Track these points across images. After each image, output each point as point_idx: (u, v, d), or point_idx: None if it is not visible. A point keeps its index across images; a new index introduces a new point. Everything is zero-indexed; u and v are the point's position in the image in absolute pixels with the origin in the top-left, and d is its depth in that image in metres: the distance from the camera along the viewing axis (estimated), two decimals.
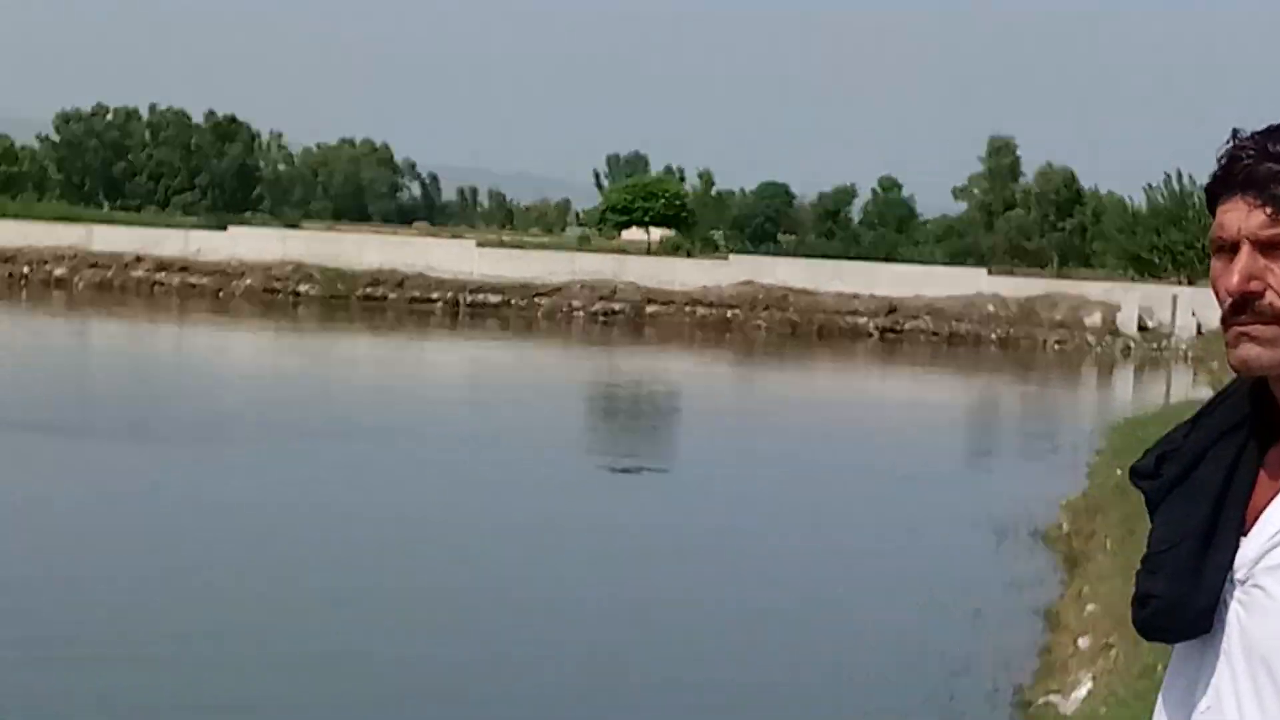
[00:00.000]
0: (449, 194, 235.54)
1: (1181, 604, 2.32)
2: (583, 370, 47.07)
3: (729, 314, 64.14)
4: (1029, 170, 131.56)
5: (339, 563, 18.15)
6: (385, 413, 32.04)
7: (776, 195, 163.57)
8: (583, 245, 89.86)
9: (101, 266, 65.12)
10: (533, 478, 24.82)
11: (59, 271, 64.75)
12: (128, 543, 18.64)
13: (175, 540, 18.74)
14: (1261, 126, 2.35)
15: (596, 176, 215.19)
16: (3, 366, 37.30)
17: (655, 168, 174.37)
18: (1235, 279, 2.29)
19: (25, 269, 64.74)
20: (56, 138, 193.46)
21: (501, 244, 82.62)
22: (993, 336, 61.63)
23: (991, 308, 62.70)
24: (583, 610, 16.70)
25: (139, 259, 65.57)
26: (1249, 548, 2.30)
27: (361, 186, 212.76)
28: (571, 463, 27.05)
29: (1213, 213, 2.35)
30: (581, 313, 64.02)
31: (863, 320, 62.72)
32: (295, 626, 15.28)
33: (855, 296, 63.40)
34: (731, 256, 74.37)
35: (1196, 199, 72.03)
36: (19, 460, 23.50)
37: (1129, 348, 59.93)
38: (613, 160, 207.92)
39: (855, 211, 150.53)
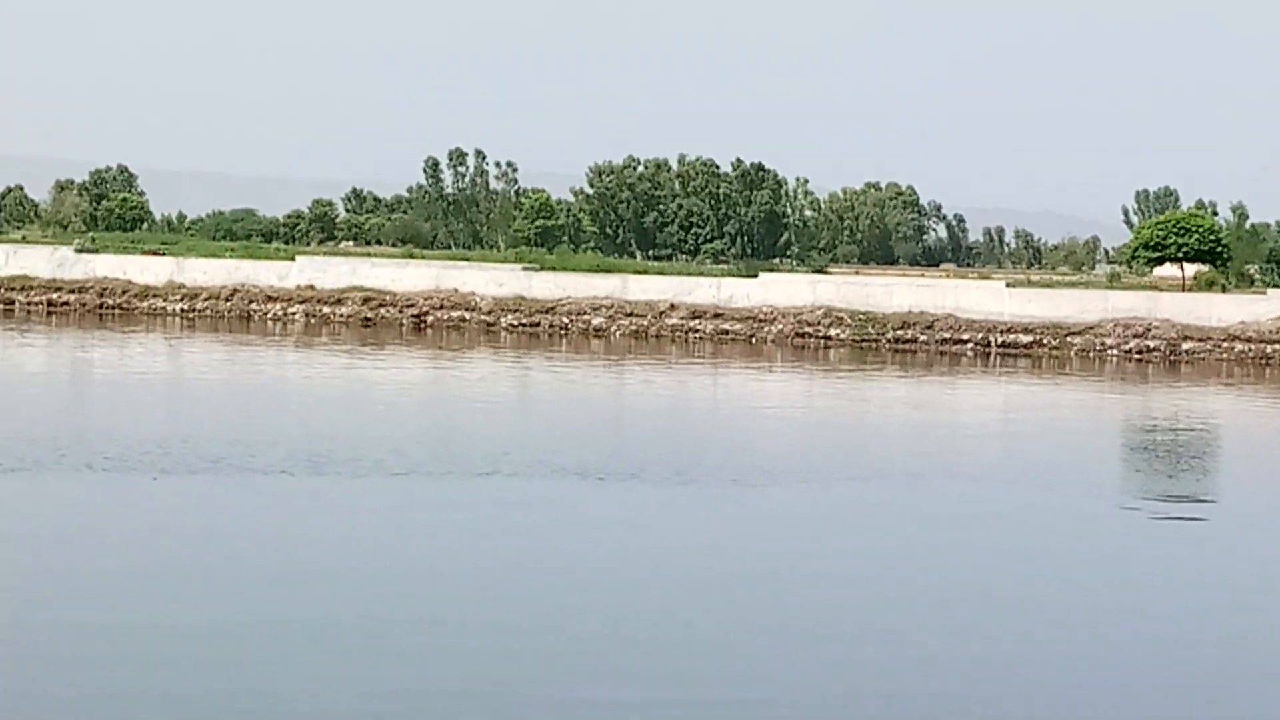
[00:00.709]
0: (975, 234, 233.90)
1: None
2: (1117, 409, 46.27)
3: (1268, 350, 62.23)
4: None
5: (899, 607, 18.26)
6: (920, 453, 32.08)
7: None
8: (1114, 283, 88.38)
9: (637, 315, 66.87)
10: (1084, 529, 24.50)
11: (597, 321, 66.74)
12: (674, 590, 19.10)
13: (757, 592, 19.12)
14: None
15: (1125, 213, 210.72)
16: (552, 414, 38.64)
17: (1186, 203, 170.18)
18: None
19: (565, 319, 66.93)
20: (590, 191, 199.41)
21: (1030, 283, 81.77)
22: None
23: None
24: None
25: (673, 307, 67.10)
26: None
27: (887, 229, 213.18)
28: (1106, 506, 26.59)
29: None
30: (1115, 351, 62.94)
31: None
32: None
33: None
34: (1270, 291, 72.07)
35: None
36: (578, 505, 24.34)
37: None
38: (1142, 196, 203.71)
39: None
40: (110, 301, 67.92)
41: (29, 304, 67.72)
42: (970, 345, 63.88)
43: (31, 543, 19.83)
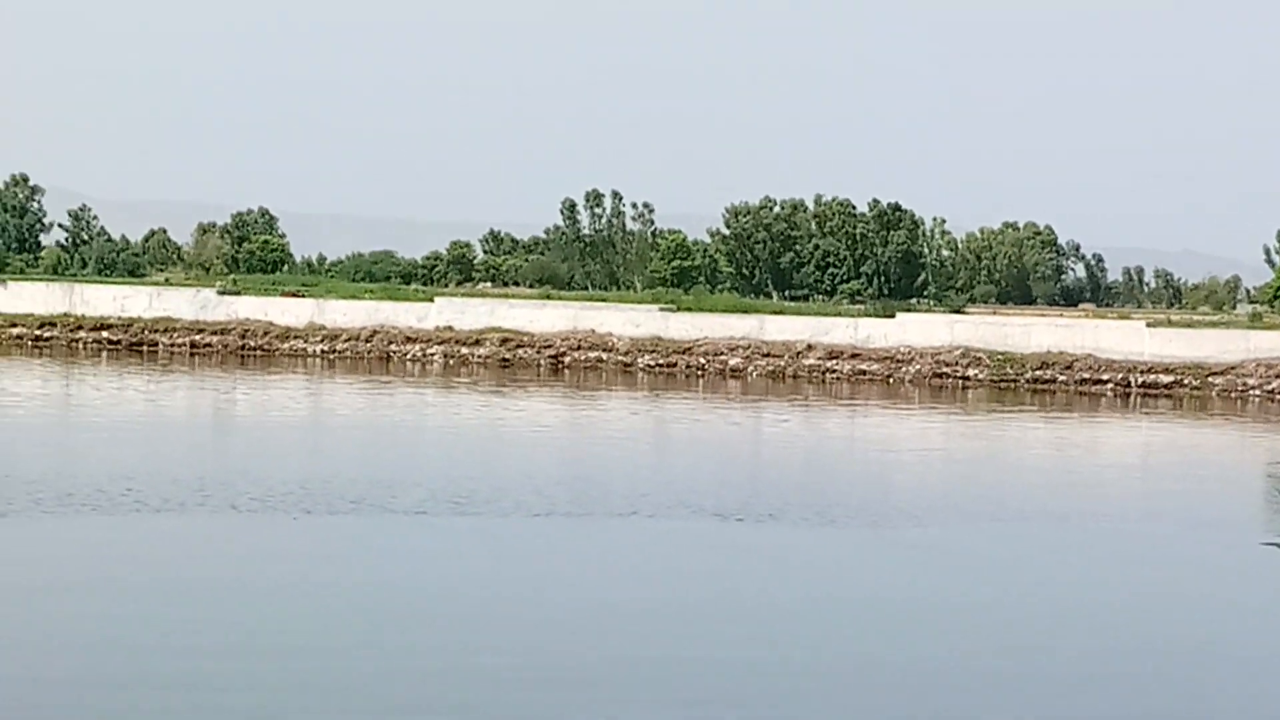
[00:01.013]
0: (1114, 274, 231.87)
1: None
2: (1261, 449, 45.71)
3: None
4: None
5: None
6: (1062, 494, 31.86)
7: None
8: (1255, 322, 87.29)
9: (774, 355, 66.80)
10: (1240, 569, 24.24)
11: (734, 361, 66.73)
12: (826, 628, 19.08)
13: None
14: None
15: (1267, 252, 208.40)
16: (690, 454, 38.69)
17: None
18: None
19: (702, 360, 66.98)
20: (727, 231, 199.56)
21: (1170, 323, 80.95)
22: None
23: None
24: None
25: (810, 347, 67.00)
26: None
27: (1025, 269, 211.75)
28: (1252, 545, 26.28)
29: None
30: (1257, 391, 62.16)
31: None
32: None
33: None
34: None
35: None
36: (721, 545, 24.38)
37: None
38: None
39: None
40: (252, 343, 68.72)
41: (172, 346, 68.62)
42: (1110, 385, 63.31)
43: (174, 584, 20.09)
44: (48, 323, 69.78)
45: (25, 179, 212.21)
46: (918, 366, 65.50)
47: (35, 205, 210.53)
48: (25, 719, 14.05)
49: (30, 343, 68.44)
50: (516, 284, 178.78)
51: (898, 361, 65.94)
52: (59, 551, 21.77)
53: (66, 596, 18.99)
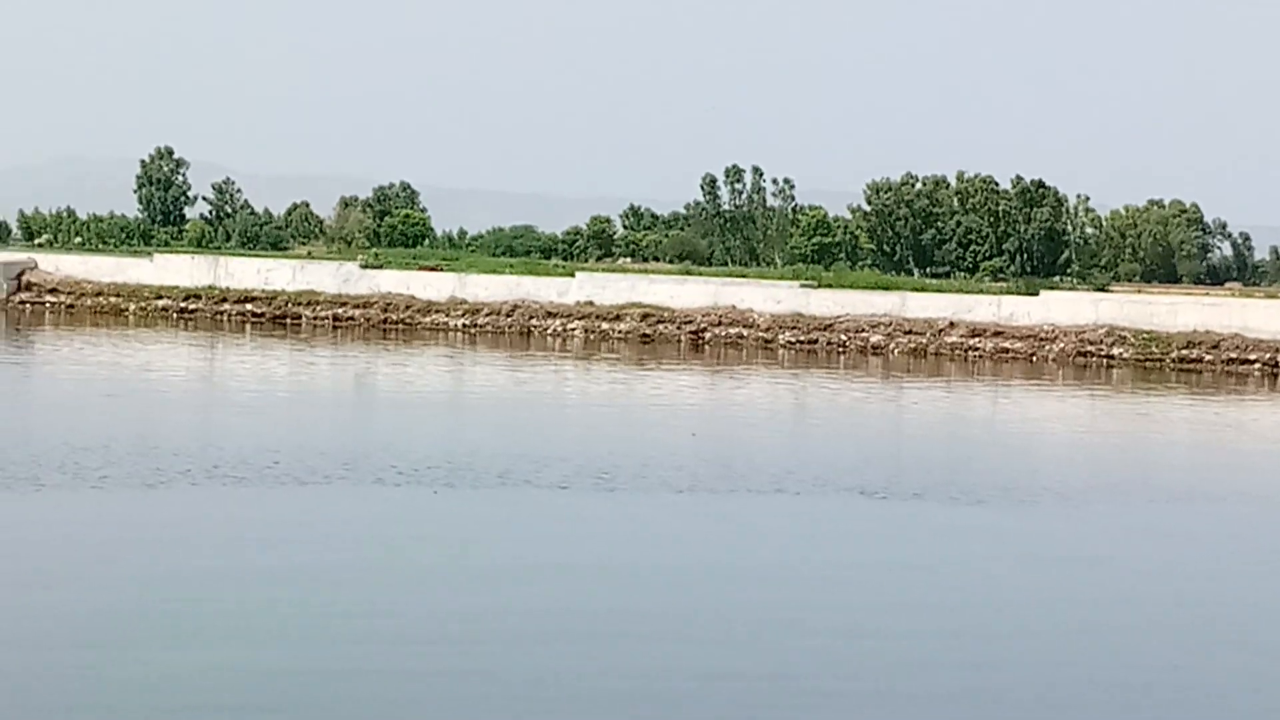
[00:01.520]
0: (1261, 253, 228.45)
1: None
2: None
3: None
4: None
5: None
6: (1214, 475, 31.39)
7: None
8: None
9: (915, 333, 66.32)
10: None
11: (875, 339, 66.33)
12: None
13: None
14: None
15: None
16: (832, 432, 38.47)
17: None
18: None
19: (843, 336, 66.63)
20: (868, 208, 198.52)
21: None
22: None
23: None
24: None
25: (952, 324, 66.46)
26: None
27: (1170, 247, 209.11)
28: None
29: None
30: None
31: None
32: None
33: None
34: None
35: None
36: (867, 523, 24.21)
37: None
38: None
39: None
40: (394, 316, 69.09)
41: (315, 319, 69.13)
42: (1257, 365, 62.34)
43: (321, 550, 20.17)
44: (193, 295, 70.49)
45: (170, 152, 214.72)
46: (1062, 345, 64.80)
47: (180, 178, 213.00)
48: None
49: (176, 315, 69.19)
50: (656, 259, 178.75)
51: (1041, 340, 65.26)
52: (204, 527, 21.91)
53: (214, 579, 19.09)
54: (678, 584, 19.30)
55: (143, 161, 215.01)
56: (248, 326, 66.63)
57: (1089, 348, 64.30)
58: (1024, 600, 19.26)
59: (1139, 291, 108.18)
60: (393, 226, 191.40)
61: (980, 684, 15.40)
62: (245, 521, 21.99)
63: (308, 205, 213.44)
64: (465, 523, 22.80)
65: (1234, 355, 63.02)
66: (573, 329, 68.00)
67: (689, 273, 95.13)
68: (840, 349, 65.89)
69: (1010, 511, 25.56)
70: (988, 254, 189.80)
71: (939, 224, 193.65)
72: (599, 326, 68.00)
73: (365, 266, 75.47)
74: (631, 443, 32.45)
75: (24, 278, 71.59)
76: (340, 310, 69.48)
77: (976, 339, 65.88)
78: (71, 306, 69.94)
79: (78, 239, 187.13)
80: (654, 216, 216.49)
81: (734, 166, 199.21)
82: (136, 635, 15.76)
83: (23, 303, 70.32)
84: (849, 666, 15.90)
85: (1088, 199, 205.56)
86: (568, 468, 27.40)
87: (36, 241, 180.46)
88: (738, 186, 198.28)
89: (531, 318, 68.77)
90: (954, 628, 17.52)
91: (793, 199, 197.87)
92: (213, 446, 28.27)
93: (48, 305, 70.23)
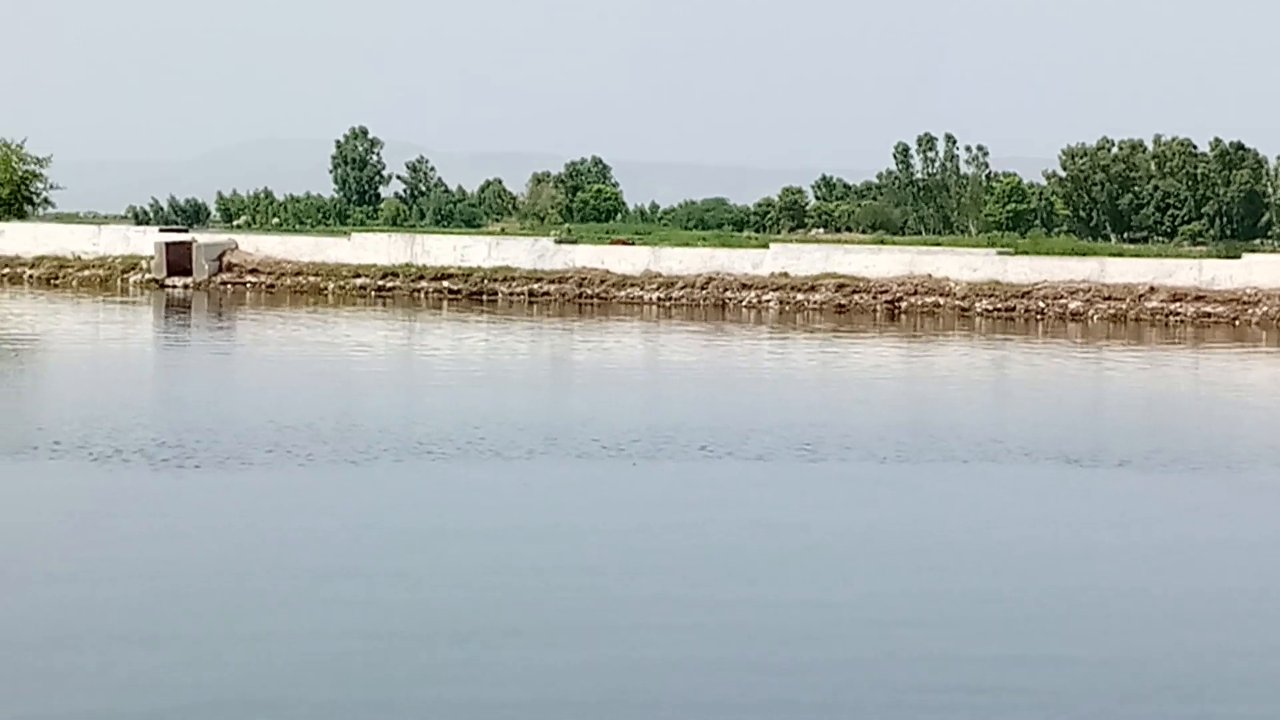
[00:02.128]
0: None
1: None
2: None
3: None
4: None
5: None
6: None
7: None
8: None
9: (1115, 299, 65.39)
10: None
11: (1073, 305, 65.49)
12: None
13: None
14: None
15: None
16: (1033, 400, 38.05)
17: None
18: None
19: (1040, 303, 65.87)
20: (1063, 173, 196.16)
21: None
22: None
23: None
24: None
25: (1152, 289, 65.46)
26: None
27: None
28: None
29: None
30: None
31: None
32: None
33: None
34: None
35: None
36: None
37: None
38: None
39: None
40: (589, 291, 69.32)
41: (511, 294, 69.54)
42: None
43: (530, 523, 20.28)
44: (390, 273, 71.18)
45: (365, 132, 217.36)
46: (1265, 308, 63.59)
47: (375, 158, 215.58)
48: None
49: (374, 293, 69.92)
50: (849, 229, 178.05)
51: (1244, 303, 64.08)
52: (414, 498, 22.13)
53: (424, 542, 19.27)
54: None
55: (338, 142, 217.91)
56: (444, 303, 67.20)
57: None
58: None
59: None
60: (585, 201, 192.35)
61: None
62: (456, 489, 22.20)
63: (500, 182, 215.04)
64: (654, 494, 22.81)
65: None
66: (767, 300, 67.83)
67: (883, 242, 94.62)
68: (1038, 316, 65.14)
69: (1219, 475, 25.11)
70: (1186, 218, 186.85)
71: (1135, 189, 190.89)
72: (794, 298, 67.77)
73: (560, 242, 75.77)
74: (832, 413, 32.29)
75: (225, 259, 72.72)
76: (535, 286, 69.81)
77: (1177, 304, 64.83)
78: (272, 286, 70.93)
79: (275, 220, 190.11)
80: (846, 187, 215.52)
81: (926, 135, 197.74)
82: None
83: (224, 283, 71.44)
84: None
85: None
86: (771, 439, 27.31)
87: (235, 223, 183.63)
88: (930, 155, 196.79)
89: (726, 290, 68.66)
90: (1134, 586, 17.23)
91: (986, 166, 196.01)
92: (416, 423, 28.54)
93: (248, 285, 71.28)
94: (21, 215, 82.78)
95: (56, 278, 72.12)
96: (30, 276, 72.46)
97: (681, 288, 68.91)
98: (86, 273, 72.29)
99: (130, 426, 26.62)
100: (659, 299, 68.38)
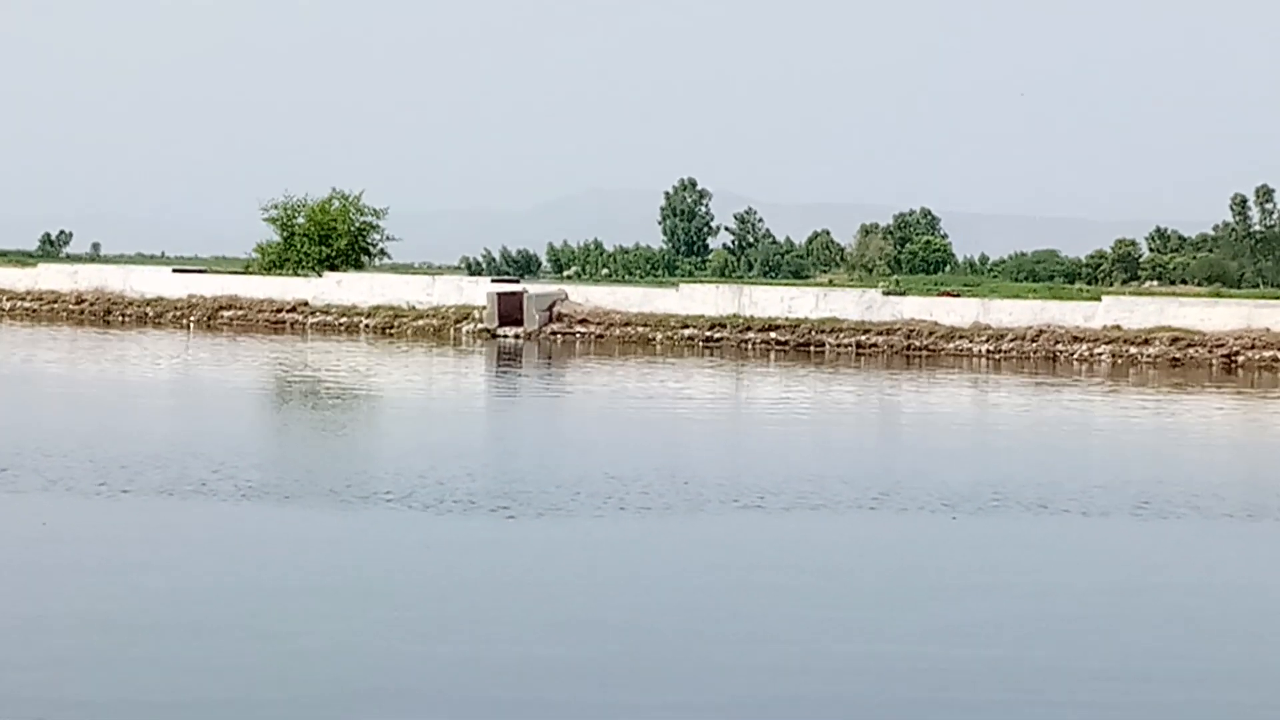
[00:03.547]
0: None
1: None
2: None
3: None
4: None
5: None
6: None
7: None
8: None
9: None
10: None
11: None
12: None
13: None
14: None
15: None
16: None
17: None
18: None
19: None
20: None
21: None
22: None
23: None
24: None
25: None
26: None
27: None
28: None
29: None
30: None
31: None
32: None
33: None
34: None
35: None
36: None
37: None
38: None
39: None
40: (917, 343, 68.76)
41: (838, 346, 69.29)
42: None
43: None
44: (718, 324, 71.42)
45: (694, 183, 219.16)
46: None
47: (703, 209, 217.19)
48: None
49: (701, 343, 70.19)
50: (1184, 282, 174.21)
51: None
52: (736, 551, 22.04)
53: (758, 594, 19.17)
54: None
55: (667, 193, 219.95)
56: (771, 354, 67.22)
57: None
58: None
59: None
60: (913, 253, 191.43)
61: None
62: (786, 542, 22.09)
63: (828, 233, 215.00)
64: (978, 547, 22.41)
65: None
66: (1099, 353, 66.61)
67: (1219, 295, 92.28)
68: None
69: None
70: None
71: None
72: (1126, 350, 66.46)
73: (887, 293, 75.34)
74: (1166, 469, 31.47)
75: (555, 309, 73.67)
76: (863, 337, 69.47)
77: None
78: (600, 336, 71.65)
79: (604, 270, 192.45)
80: (1181, 239, 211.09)
81: (1264, 186, 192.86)
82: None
83: (554, 333, 72.35)
84: None
85: None
86: (1107, 495, 26.70)
87: (565, 273, 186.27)
88: (1269, 206, 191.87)
89: (1057, 342, 67.61)
90: None
91: None
92: (743, 474, 28.47)
93: (578, 336, 72.10)
94: (359, 266, 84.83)
95: (391, 327, 73.76)
96: (366, 325, 74.22)
97: (1011, 340, 68.02)
98: (420, 322, 73.82)
99: (459, 476, 26.91)
100: (988, 351, 67.58)
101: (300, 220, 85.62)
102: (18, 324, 73.91)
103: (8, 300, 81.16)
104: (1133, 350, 66.48)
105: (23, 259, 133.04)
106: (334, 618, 17.05)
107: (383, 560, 20.28)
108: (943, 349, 68.17)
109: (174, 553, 20.33)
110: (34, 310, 79.57)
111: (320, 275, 78.94)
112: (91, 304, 79.38)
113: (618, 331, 72.09)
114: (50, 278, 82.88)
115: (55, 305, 79.85)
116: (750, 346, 69.57)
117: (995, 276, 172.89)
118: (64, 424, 33.12)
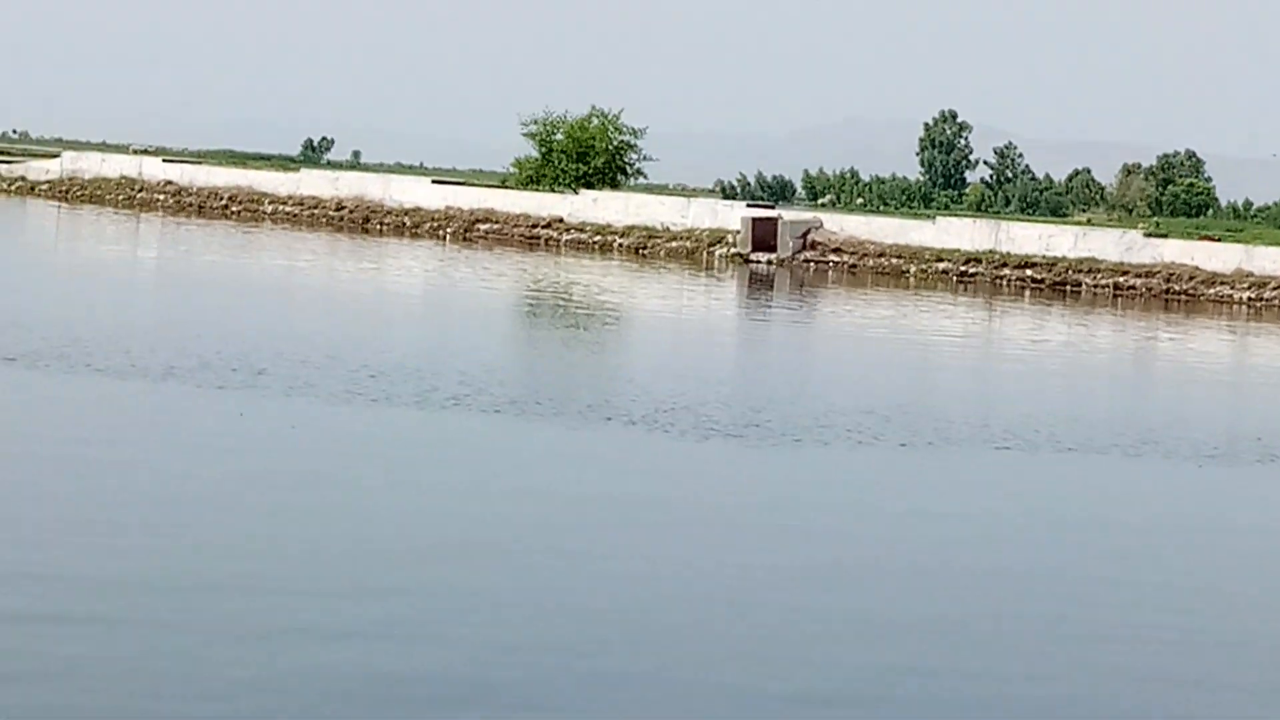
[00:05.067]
0: None
1: None
2: None
3: None
4: None
5: None
6: None
7: None
8: None
9: None
10: None
11: None
12: None
13: None
14: None
15: None
16: None
17: None
18: None
19: None
20: None
21: None
22: None
23: None
24: None
25: None
26: None
27: None
28: None
29: None
30: None
31: None
32: None
33: None
34: None
35: None
36: None
37: None
38: None
39: None
40: (1176, 287, 67.46)
41: (1095, 286, 68.22)
42: None
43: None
44: (973, 259, 70.66)
45: (954, 115, 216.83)
46: None
47: (962, 142, 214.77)
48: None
49: (955, 278, 69.54)
50: None
51: None
52: (991, 489, 21.86)
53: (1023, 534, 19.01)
54: None
55: (926, 124, 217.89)
56: (1026, 292, 66.40)
57: None
58: None
59: None
60: (1175, 195, 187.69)
61: None
62: (1033, 482, 21.90)
63: (1089, 172, 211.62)
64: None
65: None
66: None
67: None
68: None
69: None
70: None
71: None
72: None
73: (1148, 235, 73.98)
74: None
75: (809, 237, 73.38)
76: (1121, 279, 68.32)
77: None
78: (854, 267, 71.28)
79: (859, 200, 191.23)
80: None
81: None
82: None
83: (806, 261, 72.13)
84: None
85: None
86: None
87: (820, 201, 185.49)
88: None
89: None
90: None
91: None
92: (992, 414, 28.21)
93: (830, 265, 71.80)
94: (615, 185, 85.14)
95: (645, 247, 73.99)
96: (620, 245, 74.54)
97: (1274, 288, 66.45)
98: (674, 244, 73.96)
99: (706, 401, 26.92)
100: (1249, 299, 66.10)
101: (559, 137, 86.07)
102: (279, 228, 75.33)
103: (270, 204, 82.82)
104: None
105: (285, 163, 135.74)
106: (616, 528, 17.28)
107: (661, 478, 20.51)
108: (1203, 294, 66.82)
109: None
110: (295, 215, 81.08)
111: (576, 193, 79.38)
112: (351, 211, 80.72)
113: (871, 262, 71.65)
114: (312, 183, 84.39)
115: (316, 211, 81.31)
116: (1005, 283, 68.77)
117: (1259, 223, 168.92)
118: (317, 329, 33.72)
